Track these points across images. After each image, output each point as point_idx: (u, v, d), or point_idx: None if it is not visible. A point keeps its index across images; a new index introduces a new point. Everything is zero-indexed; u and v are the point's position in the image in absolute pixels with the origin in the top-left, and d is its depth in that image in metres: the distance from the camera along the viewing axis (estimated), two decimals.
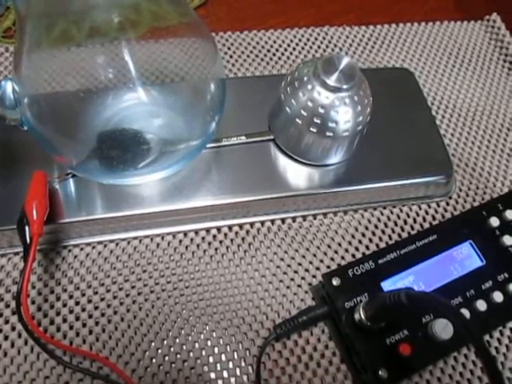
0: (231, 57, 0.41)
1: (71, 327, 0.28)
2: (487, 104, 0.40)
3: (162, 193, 0.30)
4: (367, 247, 0.32)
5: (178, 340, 0.28)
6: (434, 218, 0.34)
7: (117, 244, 0.31)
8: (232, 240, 0.32)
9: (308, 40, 0.42)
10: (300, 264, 0.31)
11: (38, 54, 0.25)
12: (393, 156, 0.33)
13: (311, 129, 0.29)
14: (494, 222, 0.31)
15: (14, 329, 0.28)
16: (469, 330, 0.20)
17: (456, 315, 0.21)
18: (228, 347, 0.28)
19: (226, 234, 0.32)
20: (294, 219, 0.33)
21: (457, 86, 0.41)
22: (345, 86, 0.28)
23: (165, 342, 0.28)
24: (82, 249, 0.30)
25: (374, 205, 0.33)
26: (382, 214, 0.34)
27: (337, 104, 0.28)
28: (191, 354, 0.28)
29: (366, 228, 0.33)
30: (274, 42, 0.42)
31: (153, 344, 0.28)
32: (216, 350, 0.28)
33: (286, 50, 0.41)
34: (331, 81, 0.28)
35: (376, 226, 0.33)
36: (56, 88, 0.27)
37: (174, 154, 0.29)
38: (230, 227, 0.32)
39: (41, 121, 0.26)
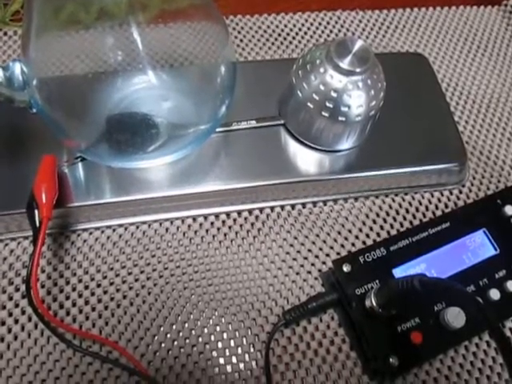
0: (241, 41, 0.40)
1: (80, 311, 0.28)
2: (503, 91, 0.39)
3: (171, 177, 0.30)
4: (378, 234, 0.32)
5: (186, 325, 0.28)
6: (446, 206, 0.33)
7: (126, 228, 0.31)
8: (241, 225, 0.31)
9: (320, 24, 0.41)
10: (310, 250, 0.31)
11: (46, 36, 0.25)
12: (405, 142, 0.33)
13: (323, 113, 0.28)
14: (509, 210, 0.30)
15: (24, 312, 0.28)
16: (485, 313, 0.19)
17: (471, 300, 0.20)
18: (237, 333, 0.28)
19: (235, 220, 0.32)
20: (303, 205, 0.32)
21: (472, 72, 0.40)
22: (358, 70, 0.27)
23: (174, 326, 0.28)
24: (91, 233, 0.30)
25: (386, 191, 0.33)
26: (393, 200, 0.33)
27: (350, 88, 0.27)
28: (200, 340, 0.28)
29: (377, 215, 0.32)
30: (285, 25, 0.41)
31: (162, 329, 0.28)
32: (225, 335, 0.28)
33: (297, 33, 0.41)
34: (344, 64, 0.27)
35: (387, 213, 0.33)
36: (65, 71, 0.27)
37: (183, 138, 0.29)
38: (239, 212, 0.32)
39: (50, 103, 0.25)
